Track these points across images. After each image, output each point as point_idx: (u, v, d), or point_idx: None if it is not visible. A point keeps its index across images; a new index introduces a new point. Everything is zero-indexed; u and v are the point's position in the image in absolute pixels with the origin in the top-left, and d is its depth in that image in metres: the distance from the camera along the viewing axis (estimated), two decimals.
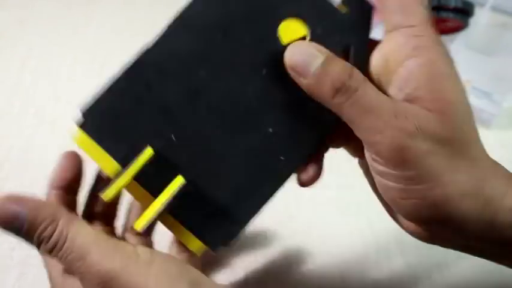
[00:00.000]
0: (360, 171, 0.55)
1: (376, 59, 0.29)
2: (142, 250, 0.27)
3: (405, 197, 0.27)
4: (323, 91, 0.26)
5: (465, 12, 0.69)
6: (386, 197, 0.29)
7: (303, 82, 0.27)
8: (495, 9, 0.76)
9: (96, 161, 0.29)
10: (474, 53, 0.66)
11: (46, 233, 0.26)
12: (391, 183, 0.27)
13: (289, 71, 0.27)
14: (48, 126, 0.59)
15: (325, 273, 0.47)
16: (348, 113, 0.26)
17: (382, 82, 0.28)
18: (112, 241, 0.27)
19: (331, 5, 0.29)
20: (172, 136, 0.28)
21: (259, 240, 0.49)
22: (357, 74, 0.27)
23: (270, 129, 0.29)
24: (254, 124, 0.29)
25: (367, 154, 0.28)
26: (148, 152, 0.27)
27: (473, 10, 0.70)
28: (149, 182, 0.27)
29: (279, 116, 0.29)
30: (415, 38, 0.27)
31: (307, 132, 0.30)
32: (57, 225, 0.26)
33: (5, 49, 0.69)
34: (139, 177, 0.28)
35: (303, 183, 0.31)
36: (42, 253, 0.28)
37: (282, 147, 0.30)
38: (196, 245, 0.30)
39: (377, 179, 0.29)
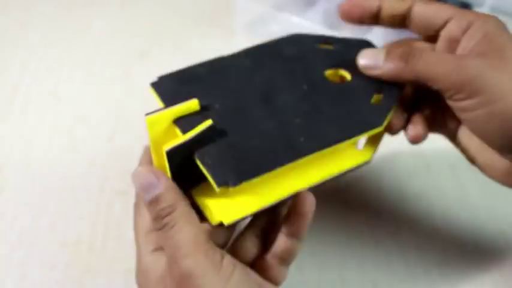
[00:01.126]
0: (359, 172, 0.55)
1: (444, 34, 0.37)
2: (227, 262, 0.30)
3: (490, 120, 0.34)
4: (396, 67, 0.35)
5: None
6: (477, 133, 0.36)
7: (378, 72, 0.36)
8: (493, 9, 0.76)
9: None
10: None
11: (162, 213, 0.31)
12: (477, 116, 0.34)
13: (363, 69, 0.37)
14: (49, 127, 0.59)
15: (324, 273, 0.47)
16: (422, 70, 0.34)
17: (452, 48, 0.37)
18: (206, 245, 0.30)
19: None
20: (217, 105, 0.34)
21: None
22: (419, 44, 0.38)
23: (297, 120, 0.35)
24: (288, 112, 0.35)
25: (451, 104, 0.35)
26: (195, 103, 0.33)
27: (471, 10, 0.70)
28: (184, 124, 0.32)
29: (306, 110, 0.35)
30: (466, 20, 0.36)
31: (327, 126, 0.35)
32: (171, 211, 0.31)
33: (5, 51, 0.69)
34: (177, 120, 0.32)
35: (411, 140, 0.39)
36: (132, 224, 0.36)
37: (303, 132, 0.34)
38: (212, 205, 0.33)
39: (466, 122, 0.35)
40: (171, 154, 0.31)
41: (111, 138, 0.58)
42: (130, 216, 0.52)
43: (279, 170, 0.31)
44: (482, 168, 0.40)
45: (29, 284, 0.45)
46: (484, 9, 0.74)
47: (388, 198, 0.53)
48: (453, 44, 0.37)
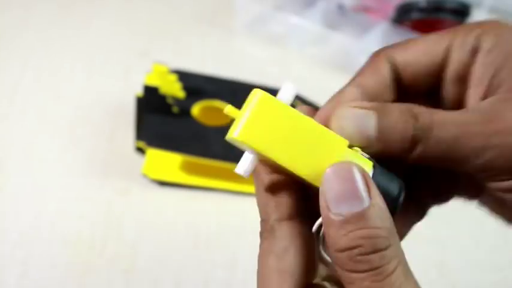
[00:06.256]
0: None
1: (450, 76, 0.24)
2: None
3: None
4: (398, 149, 0.21)
5: (462, 13, 0.69)
6: None
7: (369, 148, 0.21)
8: (492, 10, 0.76)
9: None
10: None
11: (374, 242, 0.19)
12: None
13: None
14: (49, 126, 0.59)
15: None
16: (437, 153, 0.21)
17: (459, 95, 0.24)
18: None
19: None
20: None
21: None
22: (421, 109, 0.21)
23: None
24: None
25: (488, 184, 0.23)
26: None
27: (470, 11, 0.70)
28: None
29: None
30: (471, 37, 0.23)
31: None
32: (387, 246, 0.19)
33: (6, 49, 0.69)
34: None
35: None
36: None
37: None
38: None
39: (508, 202, 0.23)
40: None
41: (111, 137, 0.58)
42: (131, 216, 0.52)
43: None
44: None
45: (30, 283, 0.45)
46: (483, 9, 0.74)
47: None
48: (464, 87, 0.24)
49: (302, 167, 0.21)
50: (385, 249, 0.19)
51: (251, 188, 0.52)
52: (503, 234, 0.51)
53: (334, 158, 0.20)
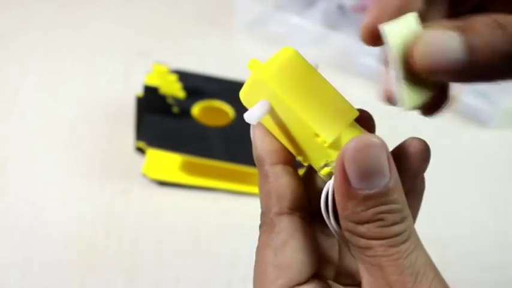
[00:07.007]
0: None
1: None
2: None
3: None
4: (491, 40, 0.19)
5: None
6: None
7: (454, 65, 0.19)
8: None
9: None
10: None
11: (392, 217, 0.20)
12: None
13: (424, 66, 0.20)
14: (50, 125, 0.59)
15: None
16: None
17: None
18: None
19: None
20: None
21: None
22: (507, 18, 0.19)
23: None
24: None
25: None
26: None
27: None
28: None
29: None
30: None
31: None
32: (403, 218, 0.20)
33: (7, 50, 0.69)
34: None
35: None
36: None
37: None
38: None
39: None
40: None
41: (111, 137, 0.58)
42: (131, 216, 0.53)
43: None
44: None
45: (30, 283, 0.45)
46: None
47: None
48: None
49: (313, 117, 0.22)
50: (401, 222, 0.20)
51: (251, 188, 0.53)
52: (503, 234, 0.51)
53: (343, 121, 0.22)
